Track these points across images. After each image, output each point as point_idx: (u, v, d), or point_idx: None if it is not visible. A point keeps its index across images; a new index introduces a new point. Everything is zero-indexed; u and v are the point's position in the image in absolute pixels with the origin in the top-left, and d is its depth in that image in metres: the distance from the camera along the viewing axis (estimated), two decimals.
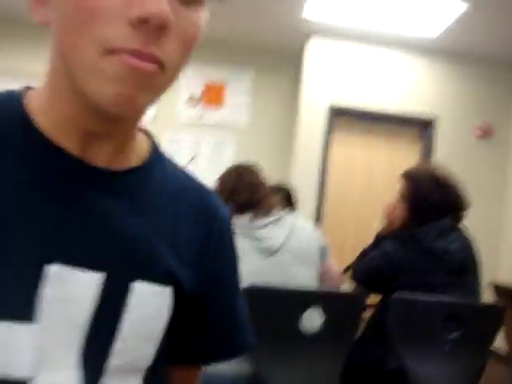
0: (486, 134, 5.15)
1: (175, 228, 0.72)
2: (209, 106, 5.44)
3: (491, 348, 4.49)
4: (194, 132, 5.42)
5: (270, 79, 5.62)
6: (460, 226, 2.16)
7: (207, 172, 5.35)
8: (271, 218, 1.80)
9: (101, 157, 0.66)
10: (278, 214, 1.84)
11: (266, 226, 1.78)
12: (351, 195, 5.18)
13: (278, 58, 5.63)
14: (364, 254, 2.26)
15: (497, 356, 4.48)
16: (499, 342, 3.87)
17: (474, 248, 2.12)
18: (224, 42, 5.48)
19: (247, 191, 1.86)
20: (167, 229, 0.71)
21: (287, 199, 2.88)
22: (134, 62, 0.56)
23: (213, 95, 5.46)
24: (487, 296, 3.54)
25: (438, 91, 5.17)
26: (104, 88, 0.57)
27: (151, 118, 5.22)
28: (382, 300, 2.09)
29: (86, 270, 0.62)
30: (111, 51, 0.56)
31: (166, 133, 5.34)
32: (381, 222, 2.38)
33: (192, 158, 5.36)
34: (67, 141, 0.64)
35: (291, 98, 5.59)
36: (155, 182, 0.72)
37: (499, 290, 3.51)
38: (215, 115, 5.46)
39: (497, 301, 3.48)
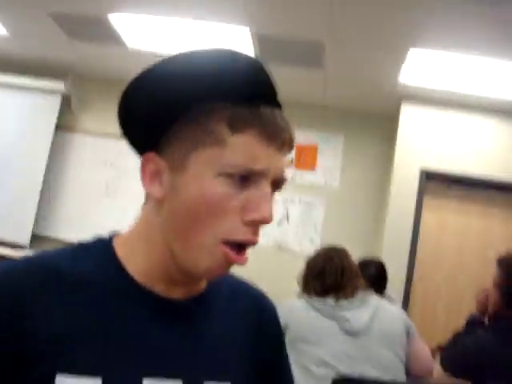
0: None
1: (232, 331, 0.91)
2: (301, 168, 5.55)
3: None
4: (285, 192, 5.49)
5: (362, 143, 5.65)
6: None
7: (297, 231, 5.42)
8: (356, 300, 1.82)
9: (179, 293, 0.86)
10: (363, 295, 1.86)
11: (351, 308, 1.80)
12: (443, 262, 5.01)
13: (370, 122, 5.67)
14: (456, 339, 2.21)
15: None
16: None
17: None
18: (316, 106, 5.62)
19: (335, 274, 1.90)
20: (226, 332, 0.90)
21: (378, 275, 2.87)
22: (235, 257, 0.78)
23: (305, 158, 5.56)
24: None
25: None
26: (204, 265, 0.78)
27: None
28: None
29: (170, 380, 0.79)
30: (226, 241, 0.77)
31: None
32: (474, 303, 2.32)
33: (285, 218, 5.45)
34: (154, 285, 0.83)
35: (382, 161, 5.59)
36: (216, 296, 0.93)
37: None
38: (307, 177, 5.55)
39: None
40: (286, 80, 4.98)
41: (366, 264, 2.89)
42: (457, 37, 3.74)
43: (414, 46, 3.93)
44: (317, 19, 3.77)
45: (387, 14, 3.55)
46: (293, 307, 1.85)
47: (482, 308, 2.21)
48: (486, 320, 2.25)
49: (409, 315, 4.81)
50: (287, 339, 1.79)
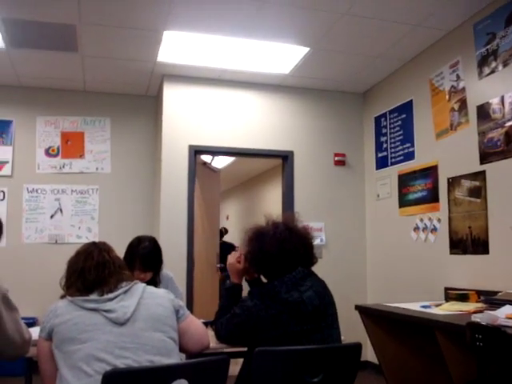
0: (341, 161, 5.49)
1: None
2: (69, 155, 5.35)
3: (367, 360, 4.73)
4: (54, 182, 5.30)
5: (129, 125, 5.63)
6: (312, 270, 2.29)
7: (72, 222, 5.24)
8: (121, 291, 1.85)
9: None
10: (128, 284, 1.89)
11: (116, 299, 1.82)
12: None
13: (135, 102, 5.67)
14: (222, 308, 2.34)
15: (372, 366, 4.87)
16: (372, 355, 4.18)
17: (327, 290, 2.25)
18: (78, 91, 5.46)
19: (95, 270, 1.90)
20: None
21: (152, 247, 3.03)
22: None
23: (72, 145, 5.38)
24: (355, 318, 3.78)
25: (293, 126, 5.44)
26: None
27: (9, 171, 5.10)
28: (247, 353, 2.16)
29: None
30: None
31: (26, 184, 5.23)
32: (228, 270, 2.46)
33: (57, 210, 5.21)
34: None
35: (151, 140, 5.65)
36: None
37: (362, 310, 3.76)
38: (77, 164, 5.38)
39: (363, 321, 3.72)
40: (42, 66, 4.74)
41: (140, 239, 3.04)
42: (205, 20, 3.94)
43: (168, 29, 4.06)
44: (66, 2, 3.63)
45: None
46: (56, 310, 1.80)
47: (238, 273, 2.40)
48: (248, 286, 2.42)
49: (192, 288, 4.98)
50: (54, 344, 1.74)
